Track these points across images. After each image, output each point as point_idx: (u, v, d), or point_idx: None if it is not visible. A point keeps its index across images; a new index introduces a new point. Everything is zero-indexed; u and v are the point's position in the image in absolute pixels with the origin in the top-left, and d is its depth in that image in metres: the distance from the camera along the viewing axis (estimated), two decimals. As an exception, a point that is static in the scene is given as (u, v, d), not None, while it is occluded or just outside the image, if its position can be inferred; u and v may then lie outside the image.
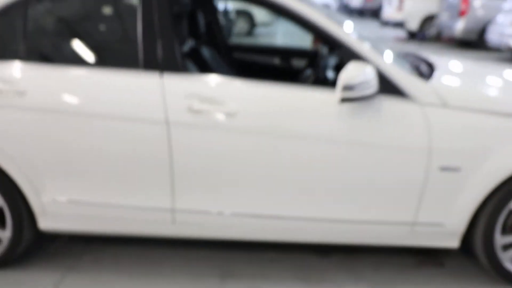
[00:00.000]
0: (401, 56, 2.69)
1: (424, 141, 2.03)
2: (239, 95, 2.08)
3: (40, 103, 2.09)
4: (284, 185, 2.12)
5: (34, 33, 2.18)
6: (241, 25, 12.91)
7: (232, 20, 12.02)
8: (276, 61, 3.45)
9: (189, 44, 2.80)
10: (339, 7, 25.86)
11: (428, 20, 13.41)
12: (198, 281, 2.28)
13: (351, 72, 1.94)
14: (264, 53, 3.47)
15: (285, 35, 12.87)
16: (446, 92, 2.09)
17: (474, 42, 11.16)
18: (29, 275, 2.30)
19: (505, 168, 2.04)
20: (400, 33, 15.07)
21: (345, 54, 2.09)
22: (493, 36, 9.62)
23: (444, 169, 2.06)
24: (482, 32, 10.84)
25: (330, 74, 2.68)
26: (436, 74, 2.36)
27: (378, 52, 2.16)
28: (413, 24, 13.58)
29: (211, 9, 3.32)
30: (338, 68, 2.59)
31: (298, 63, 3.39)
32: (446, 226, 2.16)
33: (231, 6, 11.60)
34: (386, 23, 17.63)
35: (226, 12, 11.22)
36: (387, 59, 2.13)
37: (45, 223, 2.27)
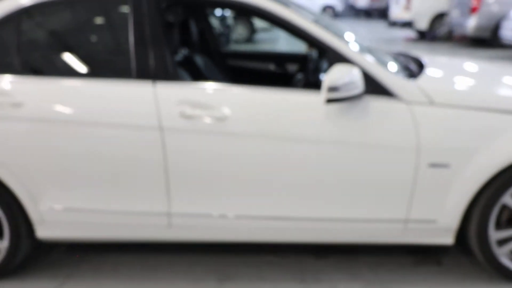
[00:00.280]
0: (391, 56, 2.72)
1: (412, 139, 2.06)
2: (230, 100, 2.12)
3: (36, 114, 2.13)
4: (277, 186, 2.15)
5: (27, 46, 2.23)
6: (240, 31, 12.44)
7: (230, 27, 11.58)
8: (271, 66, 3.50)
9: (181, 53, 2.85)
10: (345, 8, 25.09)
11: (438, 18, 12.58)
12: (196, 285, 2.30)
13: (336, 74, 1.98)
14: (258, 59, 3.52)
15: (287, 40, 12.37)
16: (432, 90, 2.12)
17: (488, 40, 10.51)
18: (27, 285, 2.32)
19: (494, 163, 2.05)
20: (410, 33, 14.36)
21: (332, 57, 2.14)
22: (508, 33, 8.90)
23: (433, 165, 2.08)
24: (495, 29, 10.09)
25: (320, 77, 2.72)
26: (424, 72, 2.40)
27: (365, 53, 2.20)
28: (422, 24, 12.78)
29: (203, 17, 3.36)
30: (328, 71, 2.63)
31: (292, 67, 3.44)
32: (439, 223, 2.18)
33: (229, 12, 10.63)
34: (394, 23, 17.03)
35: (223, 18, 10.74)
36: (373, 60, 2.16)
37: (43, 232, 2.30)
